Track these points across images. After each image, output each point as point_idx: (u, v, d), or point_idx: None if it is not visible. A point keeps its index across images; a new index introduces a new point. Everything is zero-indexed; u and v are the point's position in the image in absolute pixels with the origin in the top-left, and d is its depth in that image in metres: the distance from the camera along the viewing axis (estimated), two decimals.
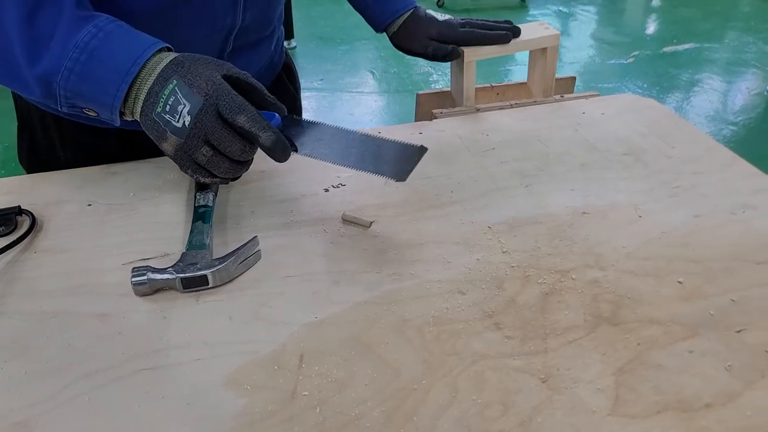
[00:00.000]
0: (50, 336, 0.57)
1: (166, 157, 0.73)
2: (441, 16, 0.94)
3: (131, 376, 0.53)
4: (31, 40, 0.60)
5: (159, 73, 0.61)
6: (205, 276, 0.60)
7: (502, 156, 0.82)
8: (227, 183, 0.66)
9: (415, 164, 0.64)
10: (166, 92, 0.60)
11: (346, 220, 0.70)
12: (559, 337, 0.55)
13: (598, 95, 0.98)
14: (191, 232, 0.66)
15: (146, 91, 0.61)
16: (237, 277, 0.63)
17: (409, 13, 0.94)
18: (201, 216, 0.67)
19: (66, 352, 0.55)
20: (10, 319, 0.59)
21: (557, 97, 0.97)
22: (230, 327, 0.58)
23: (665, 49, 3.84)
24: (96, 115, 0.64)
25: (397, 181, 0.64)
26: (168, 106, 0.60)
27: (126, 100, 0.62)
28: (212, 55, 0.65)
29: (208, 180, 0.63)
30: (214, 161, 0.61)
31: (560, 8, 4.61)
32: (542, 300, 0.59)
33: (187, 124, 0.59)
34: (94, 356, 0.55)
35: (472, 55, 0.90)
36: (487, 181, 0.77)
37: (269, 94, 0.65)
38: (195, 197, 0.70)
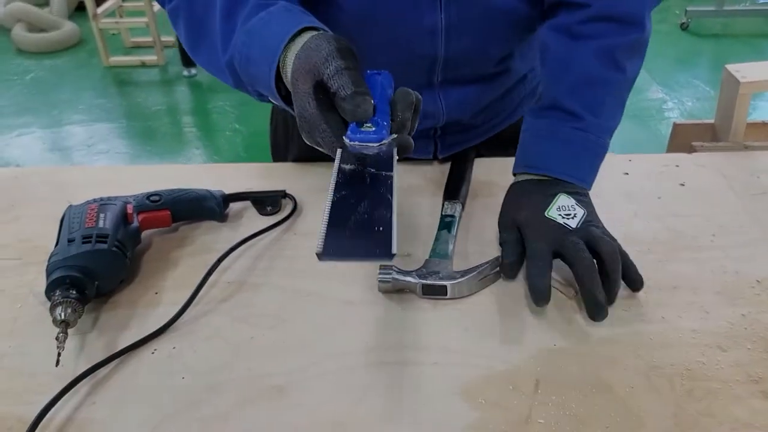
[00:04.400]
0: (303, 312, 0.62)
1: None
2: (572, 221, 0.63)
3: (374, 366, 0.56)
4: (225, 32, 0.64)
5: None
6: (445, 287, 0.62)
7: None
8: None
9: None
10: None
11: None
12: None
13: None
14: (436, 239, 0.67)
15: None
16: (475, 293, 0.63)
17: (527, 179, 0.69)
18: (447, 225, 0.69)
19: (316, 330, 0.60)
20: (271, 291, 0.65)
21: None
22: (466, 338, 0.58)
23: None
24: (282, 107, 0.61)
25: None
26: None
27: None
28: (419, 86, 0.58)
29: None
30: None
31: None
32: None
33: None
34: (340, 339, 0.59)
35: (750, 87, 0.81)
36: (756, 228, 0.69)
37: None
38: (442, 206, 0.72)
